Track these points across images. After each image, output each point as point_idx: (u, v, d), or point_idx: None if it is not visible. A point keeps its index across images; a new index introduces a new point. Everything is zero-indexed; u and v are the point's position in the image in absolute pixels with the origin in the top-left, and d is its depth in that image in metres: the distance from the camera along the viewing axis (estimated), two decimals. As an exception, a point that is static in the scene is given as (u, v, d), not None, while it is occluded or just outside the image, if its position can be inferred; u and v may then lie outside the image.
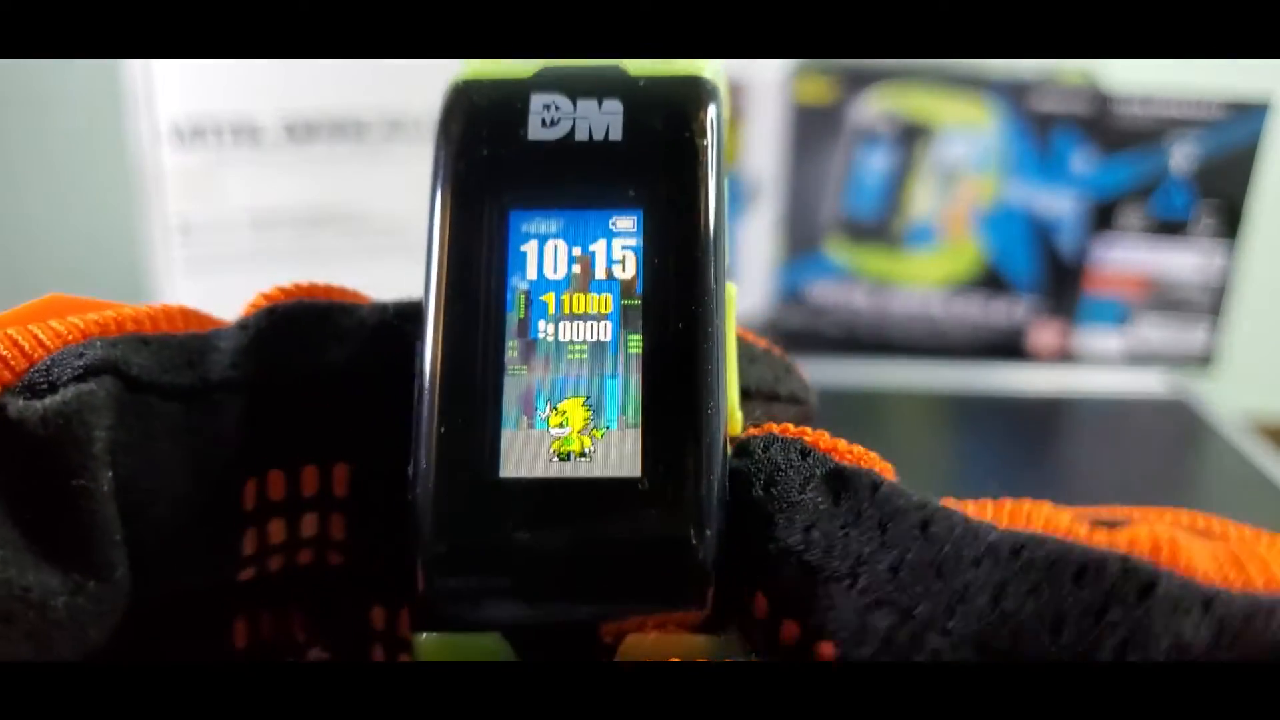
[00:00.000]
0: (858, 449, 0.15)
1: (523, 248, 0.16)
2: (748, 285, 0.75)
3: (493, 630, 0.15)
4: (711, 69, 0.17)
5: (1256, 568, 0.13)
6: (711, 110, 0.16)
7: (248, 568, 0.17)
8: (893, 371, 0.68)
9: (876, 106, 0.69)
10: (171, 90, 0.54)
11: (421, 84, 0.56)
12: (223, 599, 0.17)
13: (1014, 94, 0.67)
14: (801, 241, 0.73)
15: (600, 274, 0.16)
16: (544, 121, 0.16)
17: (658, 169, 0.16)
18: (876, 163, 0.70)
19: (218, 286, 0.56)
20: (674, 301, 0.15)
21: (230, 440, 0.16)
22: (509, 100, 0.16)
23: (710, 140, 0.16)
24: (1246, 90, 0.65)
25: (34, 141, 0.94)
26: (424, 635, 0.15)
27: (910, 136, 0.69)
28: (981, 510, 0.14)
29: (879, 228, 0.71)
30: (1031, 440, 0.64)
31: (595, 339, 0.15)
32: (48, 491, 0.14)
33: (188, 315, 0.16)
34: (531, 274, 0.16)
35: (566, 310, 0.15)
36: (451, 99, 0.16)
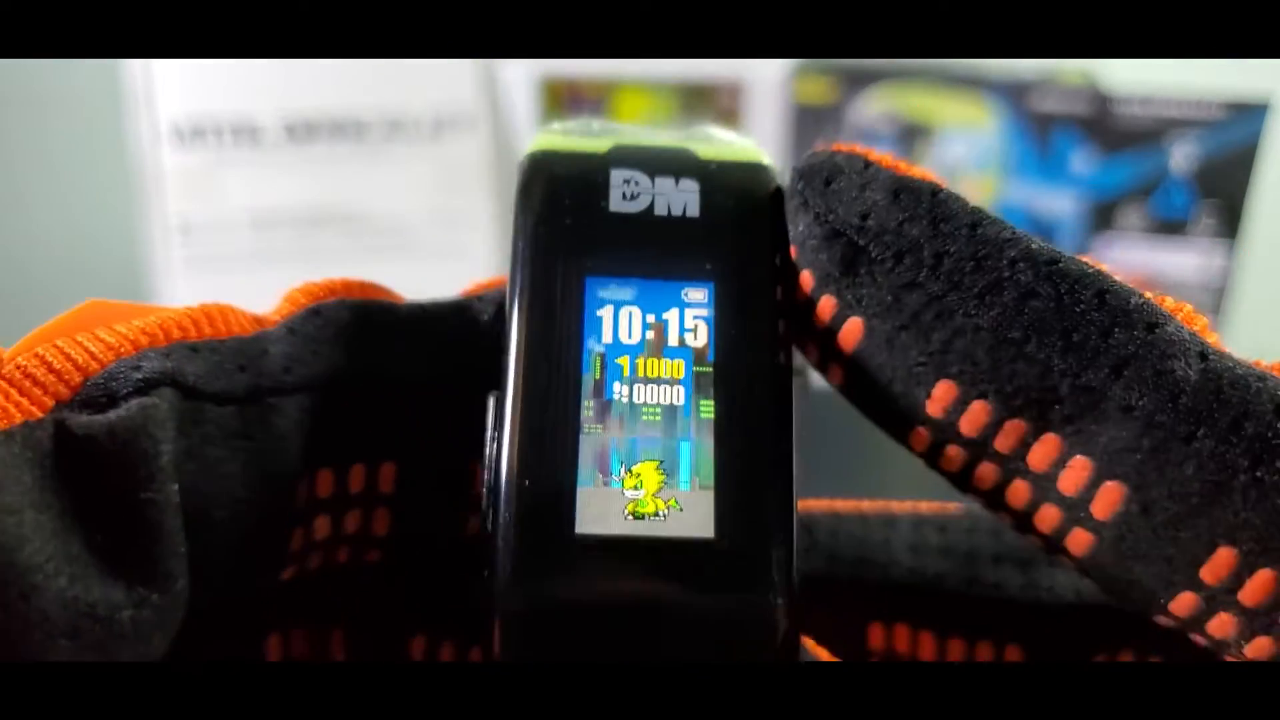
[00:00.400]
0: (918, 169, 0.16)
1: (599, 313, 0.16)
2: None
3: None
4: (761, 150, 0.19)
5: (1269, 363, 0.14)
6: (777, 193, 0.17)
7: (290, 565, 0.17)
8: (893, 371, 0.68)
9: (876, 106, 0.69)
10: (171, 90, 0.54)
11: (421, 84, 0.56)
12: (261, 606, 0.18)
13: (1014, 94, 0.67)
14: (801, 241, 0.73)
15: (673, 340, 0.16)
16: (624, 195, 0.17)
17: (730, 245, 0.17)
18: (876, 163, 0.70)
19: (218, 286, 0.56)
20: (745, 368, 0.16)
21: (284, 443, 0.16)
22: (590, 173, 0.17)
23: (777, 221, 0.17)
24: (1246, 90, 0.65)
25: (34, 141, 0.94)
26: None
27: (910, 136, 0.69)
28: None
29: (879, 228, 0.71)
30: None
31: (669, 402, 0.16)
32: (114, 506, 0.14)
33: (226, 314, 0.16)
34: (607, 337, 0.16)
35: (641, 373, 0.16)
36: (531, 168, 0.17)
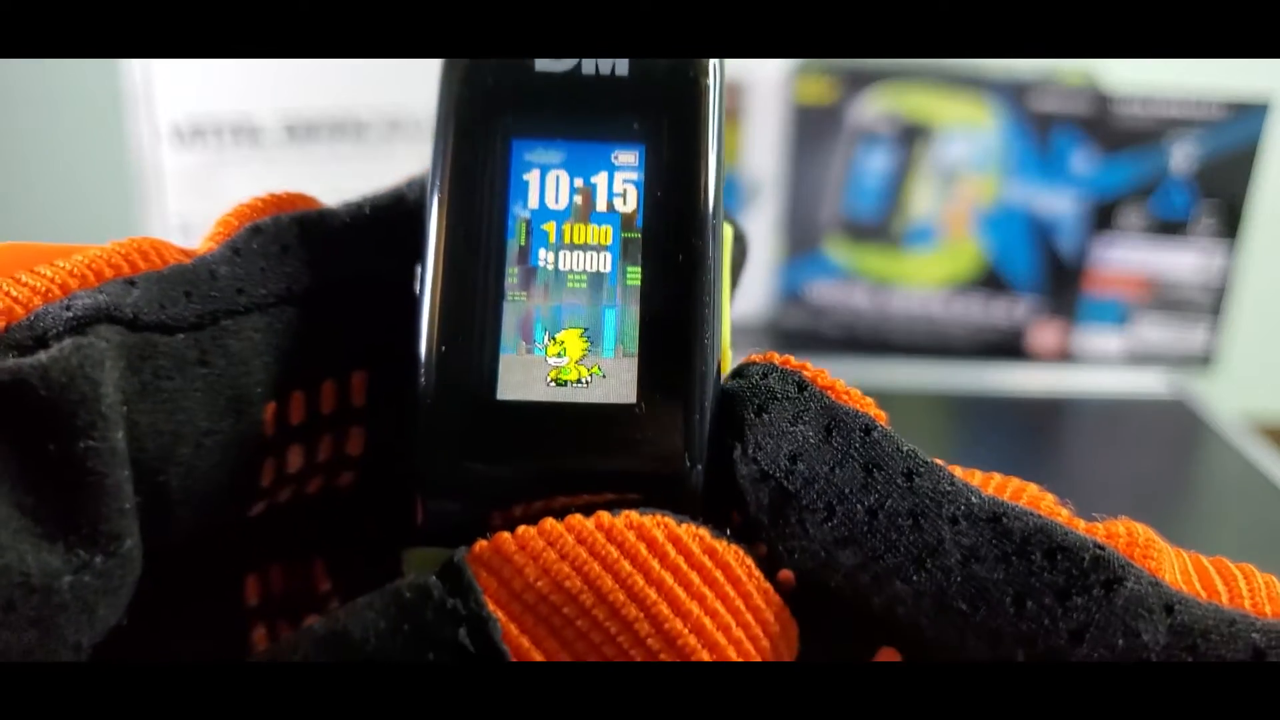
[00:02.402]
0: (854, 392, 0.15)
1: (525, 176, 0.16)
2: (748, 285, 0.75)
3: None
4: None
5: (1225, 580, 0.13)
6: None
7: (261, 500, 0.16)
8: (893, 371, 0.68)
9: (876, 106, 0.69)
10: (171, 90, 0.54)
11: (421, 84, 0.56)
12: (232, 545, 0.17)
13: (1014, 94, 0.67)
14: (801, 241, 0.73)
15: (601, 206, 0.16)
16: None
17: (662, 106, 0.16)
18: (876, 163, 0.70)
19: (218, 286, 0.56)
20: (673, 236, 0.16)
21: (246, 367, 0.15)
22: None
23: (713, 81, 0.16)
24: (1246, 90, 0.65)
25: (34, 141, 0.94)
26: (413, 550, 0.15)
27: (910, 136, 0.69)
28: (969, 478, 0.15)
29: (879, 228, 0.71)
30: (1031, 440, 0.64)
31: (595, 269, 0.16)
32: (50, 458, 0.12)
33: (160, 248, 0.15)
34: (533, 202, 0.16)
35: (567, 240, 0.16)
36: None
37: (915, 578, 0.13)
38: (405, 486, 0.16)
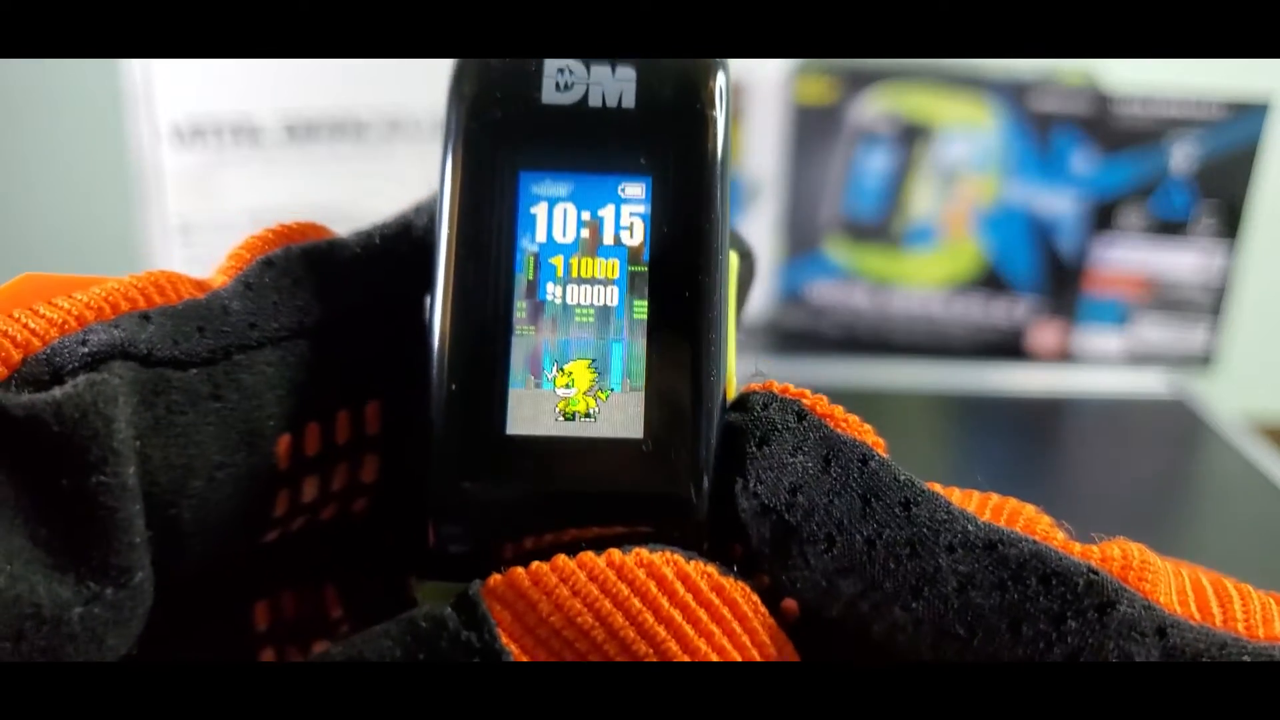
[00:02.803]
0: (853, 419, 0.15)
1: (532, 210, 0.16)
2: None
3: None
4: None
5: (1220, 601, 0.13)
6: (722, 82, 0.16)
7: (274, 529, 0.16)
8: (893, 371, 0.68)
9: (876, 106, 0.69)
10: (171, 90, 0.54)
11: (421, 84, 0.56)
12: (244, 573, 0.17)
13: (1014, 94, 0.67)
14: (801, 241, 0.73)
15: (608, 239, 0.16)
16: (558, 85, 0.16)
17: (669, 138, 0.16)
18: (876, 163, 0.70)
19: (218, 286, 0.56)
20: (680, 270, 0.16)
21: (259, 400, 0.15)
22: (523, 62, 0.16)
23: (720, 112, 0.16)
24: (1246, 90, 0.65)
25: (34, 141, 0.94)
26: (427, 583, 0.15)
27: (910, 136, 0.69)
28: (966, 500, 0.15)
29: (879, 228, 0.71)
30: (1031, 440, 0.64)
31: (602, 303, 0.16)
32: (62, 493, 0.13)
33: (175, 281, 0.16)
34: (541, 236, 0.16)
35: (575, 274, 0.16)
36: (465, 61, 0.16)
37: (914, 605, 0.13)
38: (418, 511, 0.16)
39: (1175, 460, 0.62)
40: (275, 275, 0.16)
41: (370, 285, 0.17)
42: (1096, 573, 0.13)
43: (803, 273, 0.73)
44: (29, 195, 0.96)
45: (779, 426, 0.15)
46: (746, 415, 0.15)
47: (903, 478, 0.14)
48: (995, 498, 0.15)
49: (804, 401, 0.15)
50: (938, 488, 0.15)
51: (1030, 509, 0.15)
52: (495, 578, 0.14)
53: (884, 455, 0.15)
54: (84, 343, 0.14)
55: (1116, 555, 0.14)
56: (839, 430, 0.15)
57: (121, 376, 0.14)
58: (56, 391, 0.13)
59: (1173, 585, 0.14)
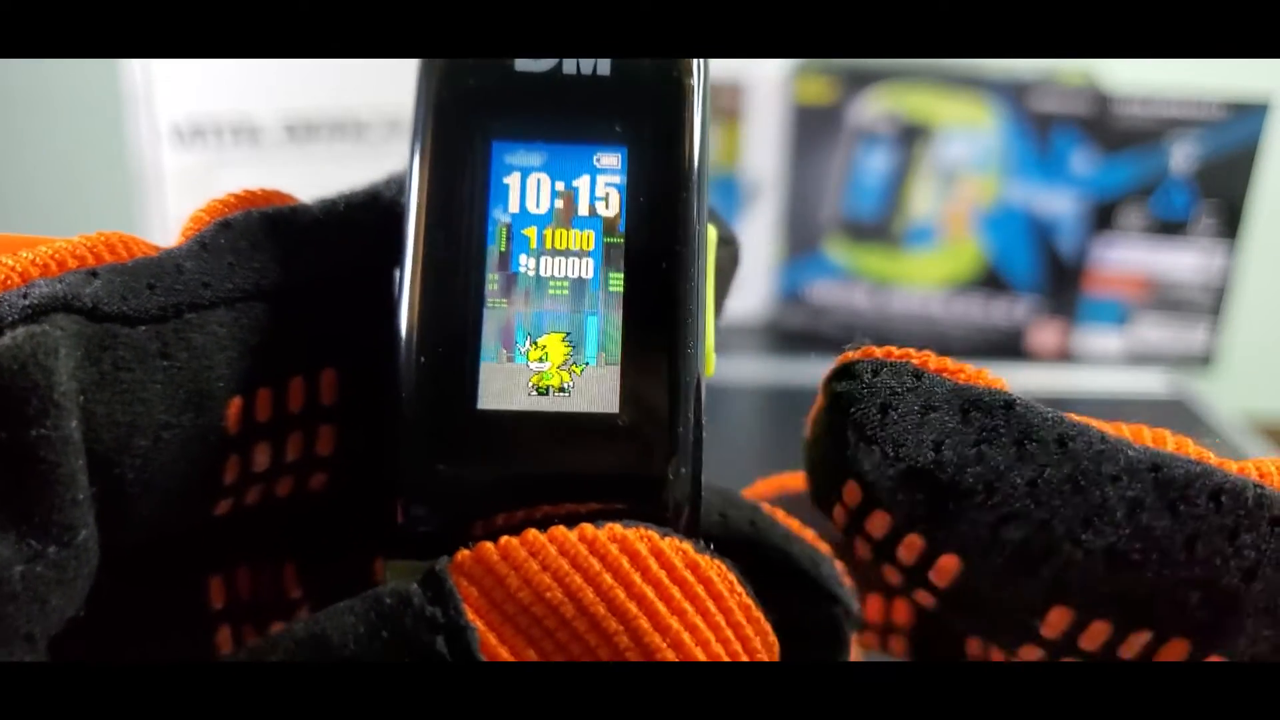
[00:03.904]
0: (969, 368, 0.15)
1: (505, 180, 0.15)
2: (748, 285, 0.75)
3: None
4: None
5: None
6: None
7: (225, 499, 0.16)
8: (893, 371, 0.68)
9: (876, 106, 0.69)
10: (171, 90, 0.54)
11: (421, 84, 0.56)
12: (196, 545, 0.17)
13: (1014, 94, 0.67)
14: (801, 241, 0.73)
15: (583, 210, 0.15)
16: None
17: (645, 106, 0.16)
18: (876, 163, 0.70)
19: (218, 286, 0.56)
20: (657, 241, 0.15)
21: (209, 361, 0.15)
22: None
23: (697, 80, 0.16)
24: (1246, 90, 0.65)
25: (35, 141, 0.94)
26: (395, 562, 0.15)
27: (910, 136, 0.69)
28: (1102, 425, 0.14)
29: (879, 228, 0.71)
30: (1031, 440, 0.64)
31: (577, 275, 0.15)
32: (2, 446, 0.12)
33: (129, 243, 0.15)
34: (514, 207, 0.15)
35: (548, 245, 0.15)
36: None
37: (1085, 537, 0.13)
38: (380, 490, 0.15)
39: (1175, 460, 0.62)
40: (232, 237, 0.16)
41: (332, 253, 0.16)
42: (1263, 487, 0.13)
43: (803, 273, 0.73)
44: (29, 195, 0.96)
45: (898, 389, 0.15)
46: (857, 384, 0.15)
47: (1050, 415, 0.14)
48: (1129, 426, 0.15)
49: (914, 361, 0.15)
50: (1074, 417, 0.14)
51: (1168, 433, 0.15)
52: (463, 553, 0.13)
53: (1024, 398, 0.15)
54: (25, 295, 0.13)
55: (1274, 470, 0.14)
56: (963, 381, 0.15)
57: (64, 329, 0.13)
58: None
59: None
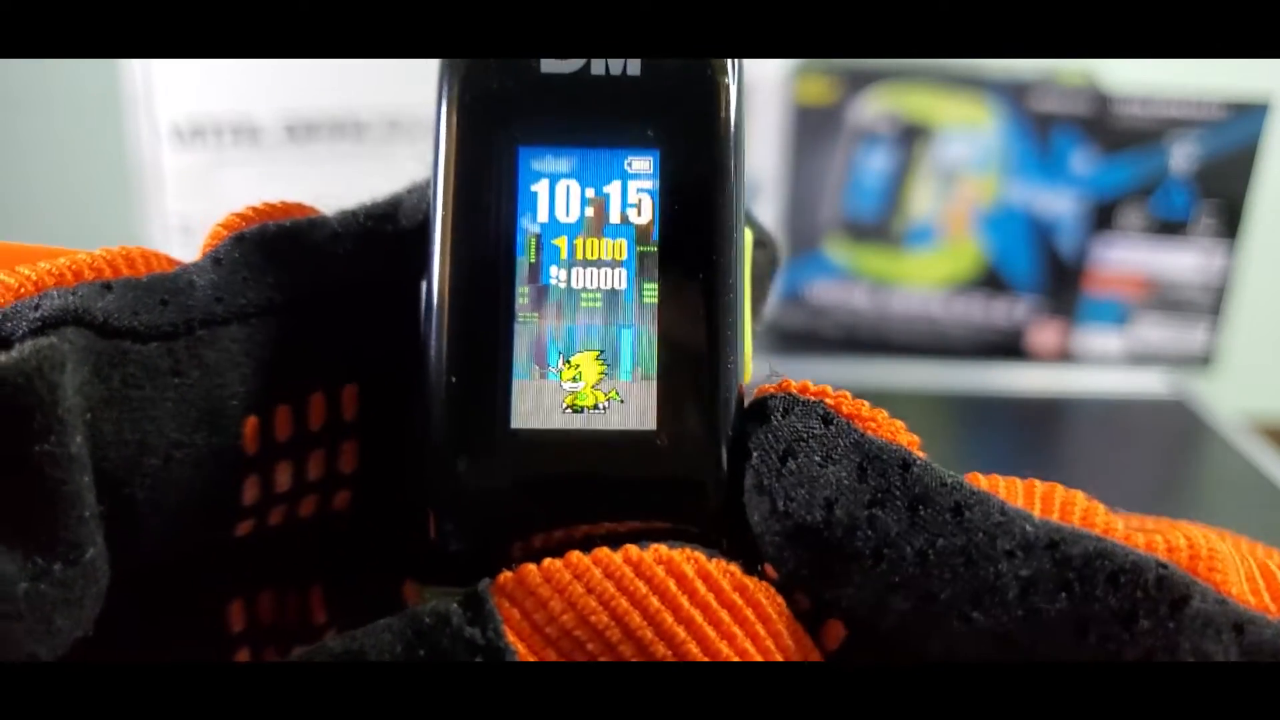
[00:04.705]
0: (882, 416, 0.14)
1: (533, 187, 0.15)
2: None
3: None
4: None
5: None
6: None
7: (245, 520, 0.15)
8: (893, 371, 0.68)
9: (876, 106, 0.69)
10: (171, 90, 0.54)
11: (421, 84, 0.56)
12: (216, 568, 0.16)
13: (1014, 94, 0.67)
14: (801, 241, 0.73)
15: (615, 218, 0.15)
16: None
17: (677, 107, 0.15)
18: (876, 163, 0.70)
19: (218, 286, 0.56)
20: (692, 250, 0.15)
21: (222, 378, 0.14)
22: None
23: (732, 78, 0.15)
24: (1246, 90, 0.65)
25: (34, 141, 0.94)
26: (433, 588, 0.15)
27: (910, 136, 0.69)
28: (1012, 490, 0.14)
29: (879, 228, 0.71)
30: (1031, 440, 0.64)
31: (610, 286, 0.15)
32: (6, 461, 0.12)
33: (148, 256, 0.15)
34: (543, 216, 0.15)
35: (580, 255, 0.15)
36: None
37: (974, 616, 0.12)
38: (407, 507, 0.15)
39: (1175, 460, 0.62)
40: (246, 251, 0.15)
41: (351, 265, 0.16)
42: (1166, 566, 0.12)
43: (803, 273, 0.73)
44: (29, 195, 0.96)
45: (804, 435, 0.14)
46: (765, 427, 0.14)
47: (949, 480, 0.13)
48: (1041, 485, 0.14)
49: (827, 402, 0.14)
50: (980, 479, 0.14)
51: (1081, 496, 0.14)
52: (505, 574, 0.13)
53: (922, 456, 0.14)
54: (36, 307, 0.13)
55: (1183, 545, 0.13)
56: (869, 432, 0.14)
57: (73, 343, 0.13)
58: (1, 356, 0.12)
59: (1242, 573, 0.13)
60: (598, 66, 0.15)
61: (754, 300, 0.16)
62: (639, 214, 0.15)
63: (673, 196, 0.15)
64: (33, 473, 0.12)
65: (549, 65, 0.15)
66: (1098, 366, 0.70)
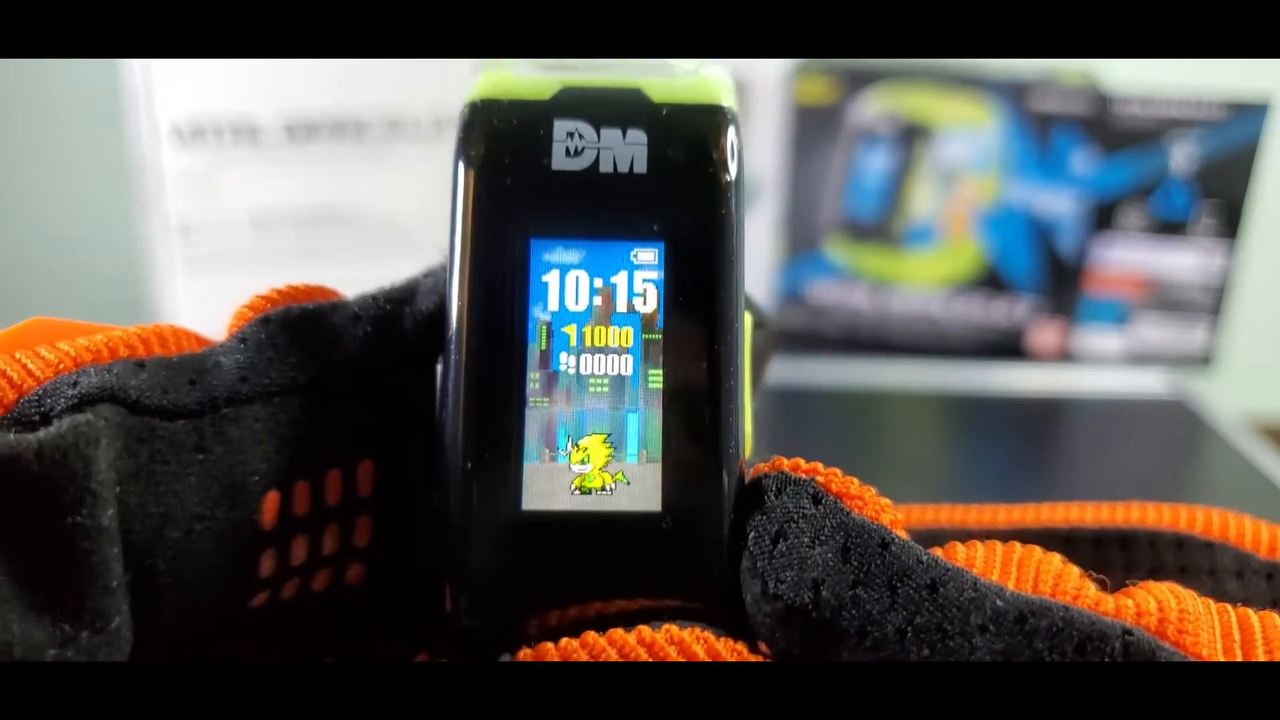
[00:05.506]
0: (870, 494, 0.15)
1: (544, 277, 0.16)
2: (748, 285, 0.74)
3: None
4: (724, 86, 0.17)
5: (1269, 644, 0.13)
6: (733, 140, 0.16)
7: (261, 592, 0.16)
8: (893, 371, 0.68)
9: (876, 106, 0.69)
10: (171, 90, 0.54)
11: (421, 84, 0.56)
12: (230, 638, 0.17)
13: (1014, 94, 0.67)
14: (801, 241, 0.73)
15: (621, 307, 0.16)
16: (568, 151, 0.16)
17: (681, 203, 0.16)
18: (876, 163, 0.70)
19: (218, 286, 0.56)
20: (695, 339, 0.16)
21: (244, 455, 0.15)
22: (532, 126, 0.16)
23: (732, 173, 0.16)
24: (1246, 90, 0.65)
25: (34, 142, 0.94)
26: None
27: (910, 136, 0.69)
28: (990, 553, 0.15)
29: (879, 228, 0.71)
30: (1031, 440, 0.64)
31: (616, 372, 0.15)
32: (40, 532, 0.13)
33: (179, 335, 0.16)
34: (553, 304, 0.16)
35: (588, 343, 0.16)
36: (470, 120, 0.16)
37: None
38: (420, 583, 0.16)
39: (1175, 460, 0.62)
40: (271, 332, 0.16)
41: (369, 347, 0.17)
42: (1131, 633, 0.13)
43: (803, 273, 0.73)
44: (29, 195, 0.96)
45: (794, 515, 0.15)
46: (760, 509, 0.15)
47: (925, 558, 0.14)
48: (1019, 549, 0.15)
49: (818, 480, 0.15)
50: (959, 549, 0.15)
51: (1056, 559, 0.15)
52: (525, 651, 0.14)
53: (902, 534, 0.15)
54: (75, 384, 0.14)
55: (1152, 608, 0.14)
56: (855, 511, 0.15)
57: (108, 419, 0.14)
58: (41, 432, 0.13)
59: (1216, 629, 0.13)
60: (606, 164, 0.16)
61: (753, 379, 0.17)
62: (645, 303, 0.16)
63: (677, 286, 0.16)
64: (63, 544, 0.13)
65: (560, 163, 0.16)
66: (1098, 366, 0.70)
